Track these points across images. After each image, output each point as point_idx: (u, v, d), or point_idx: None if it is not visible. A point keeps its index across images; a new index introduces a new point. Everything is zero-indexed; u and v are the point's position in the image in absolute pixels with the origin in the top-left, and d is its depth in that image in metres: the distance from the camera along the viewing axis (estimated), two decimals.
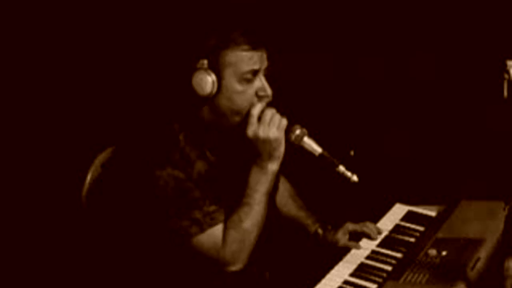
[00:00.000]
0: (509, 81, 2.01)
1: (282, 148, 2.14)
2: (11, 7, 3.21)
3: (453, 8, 3.33)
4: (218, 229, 2.13)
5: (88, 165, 2.34)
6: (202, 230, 2.11)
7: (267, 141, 2.11)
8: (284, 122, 2.13)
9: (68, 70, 3.31)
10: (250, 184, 2.15)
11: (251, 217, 2.13)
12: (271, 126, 2.11)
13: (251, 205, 2.14)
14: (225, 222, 2.14)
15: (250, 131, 2.12)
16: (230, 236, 2.12)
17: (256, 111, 2.13)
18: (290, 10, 3.41)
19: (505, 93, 2.02)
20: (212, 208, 2.13)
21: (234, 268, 2.14)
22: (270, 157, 2.13)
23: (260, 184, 2.14)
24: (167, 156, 2.13)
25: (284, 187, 2.53)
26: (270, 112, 2.13)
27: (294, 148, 2.18)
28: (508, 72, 2.00)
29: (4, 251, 3.23)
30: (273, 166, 2.15)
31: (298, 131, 2.17)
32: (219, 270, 2.14)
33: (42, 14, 3.24)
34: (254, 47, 2.12)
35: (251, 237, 2.14)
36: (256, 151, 2.13)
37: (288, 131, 2.17)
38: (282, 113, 2.17)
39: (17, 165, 3.28)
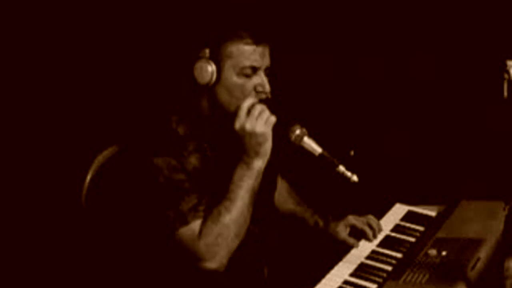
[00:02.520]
0: (509, 81, 2.01)
1: (268, 145, 2.13)
2: (11, 7, 3.21)
3: (453, 8, 3.33)
4: (198, 223, 2.11)
5: (88, 165, 2.34)
6: (185, 223, 2.10)
7: (253, 135, 2.11)
8: (272, 119, 2.13)
9: (68, 69, 3.30)
10: (233, 179, 2.13)
11: (231, 212, 2.11)
12: (258, 121, 2.11)
13: (232, 200, 2.12)
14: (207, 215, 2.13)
15: (238, 124, 2.12)
16: (207, 229, 2.09)
17: (246, 104, 2.13)
18: (290, 10, 3.41)
19: (505, 93, 2.02)
20: (200, 202, 2.12)
21: (209, 265, 2.09)
22: (256, 153, 2.12)
23: (243, 180, 2.13)
24: (163, 145, 2.14)
25: (281, 184, 2.53)
26: (260, 107, 2.13)
27: (294, 148, 2.18)
28: (508, 72, 2.00)
29: (4, 251, 3.23)
30: (258, 163, 2.13)
31: (298, 131, 2.17)
32: (197, 266, 2.11)
33: (42, 14, 3.24)
34: (256, 42, 2.13)
35: (229, 232, 2.10)
36: (242, 145, 2.13)
37: (288, 131, 2.17)
38: (282, 113, 2.17)
39: (17, 165, 3.28)
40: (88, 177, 2.33)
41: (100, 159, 2.36)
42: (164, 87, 2.43)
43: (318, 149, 2.16)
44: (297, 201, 2.56)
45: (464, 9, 3.31)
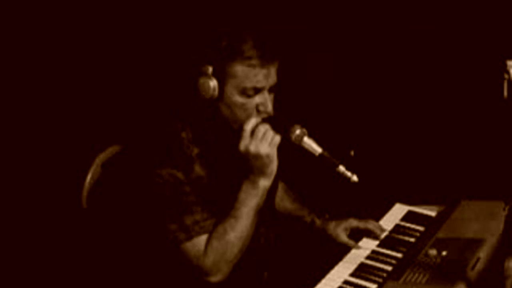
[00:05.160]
0: (509, 81, 2.01)
1: (274, 165, 2.12)
2: (11, 7, 3.21)
3: (453, 8, 3.33)
4: (203, 238, 2.12)
5: (88, 165, 2.34)
6: (189, 238, 2.11)
7: (258, 157, 2.09)
8: (277, 139, 2.11)
9: (69, 70, 3.31)
10: (239, 198, 2.13)
11: (236, 230, 2.12)
12: (263, 142, 2.09)
13: (237, 218, 2.12)
14: (211, 232, 2.13)
15: (242, 146, 2.11)
16: (212, 247, 2.11)
17: (249, 126, 2.11)
18: (290, 10, 3.41)
19: (505, 93, 2.02)
20: (204, 216, 2.13)
21: (214, 279, 2.12)
22: (261, 173, 2.12)
23: (249, 199, 2.13)
24: (168, 155, 2.13)
25: (278, 184, 2.52)
26: (263, 128, 2.11)
27: (294, 148, 2.18)
28: (508, 72, 2.00)
29: (4, 251, 3.23)
30: (264, 182, 2.13)
31: (298, 131, 2.16)
32: (201, 279, 2.13)
33: (45, 14, 3.24)
34: (262, 63, 2.09)
35: (234, 249, 2.12)
36: (247, 166, 2.12)
37: (288, 131, 2.16)
38: (282, 113, 2.17)
39: (17, 165, 3.28)
40: (89, 177, 2.33)
41: (100, 158, 2.36)
42: (168, 94, 2.42)
43: (318, 149, 2.16)
44: (293, 200, 2.56)
45: (464, 9, 3.31)
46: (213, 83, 2.11)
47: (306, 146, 2.17)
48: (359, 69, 3.48)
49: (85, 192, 2.33)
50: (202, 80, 2.12)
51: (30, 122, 3.29)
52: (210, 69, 2.11)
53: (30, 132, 3.28)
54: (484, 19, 3.27)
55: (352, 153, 2.50)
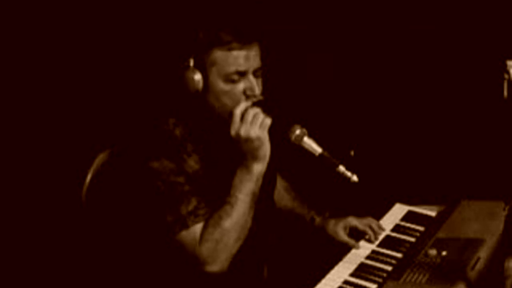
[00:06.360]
0: (509, 81, 2.01)
1: (265, 148, 2.12)
2: (11, 7, 3.21)
3: (453, 8, 3.33)
4: (199, 226, 2.11)
5: (88, 165, 2.34)
6: (185, 226, 2.10)
7: (249, 140, 2.09)
8: (267, 121, 2.11)
9: (68, 71, 3.31)
10: (234, 184, 2.12)
11: (232, 216, 2.10)
12: (253, 125, 2.09)
13: (232, 204, 2.11)
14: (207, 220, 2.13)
15: (233, 130, 2.10)
16: (208, 234, 2.10)
17: (238, 110, 2.11)
18: (290, 10, 3.42)
19: (505, 93, 2.02)
20: (200, 205, 2.12)
21: (211, 268, 2.10)
22: (254, 157, 2.11)
23: (243, 185, 2.12)
24: (162, 148, 2.14)
25: (279, 182, 2.52)
26: (253, 112, 2.11)
27: (294, 148, 2.18)
28: (508, 72, 2.00)
29: (4, 251, 3.23)
30: (258, 167, 2.12)
31: (298, 131, 2.16)
32: (199, 269, 2.12)
33: (38, 15, 3.24)
34: (241, 45, 2.10)
35: (230, 237, 2.10)
36: (240, 151, 2.12)
37: (288, 131, 2.16)
38: (282, 113, 2.17)
39: (17, 165, 3.28)
40: (89, 177, 2.33)
41: (100, 158, 2.36)
42: (160, 91, 2.43)
43: (318, 149, 2.16)
44: (293, 197, 2.56)
45: (464, 9, 3.31)
46: (197, 75, 2.12)
47: (306, 146, 2.16)
48: (359, 69, 3.48)
49: (85, 192, 2.33)
50: (186, 75, 2.13)
51: (30, 122, 3.29)
52: (192, 62, 2.12)
53: (30, 133, 3.28)
54: (484, 19, 3.27)
55: (352, 153, 2.50)
